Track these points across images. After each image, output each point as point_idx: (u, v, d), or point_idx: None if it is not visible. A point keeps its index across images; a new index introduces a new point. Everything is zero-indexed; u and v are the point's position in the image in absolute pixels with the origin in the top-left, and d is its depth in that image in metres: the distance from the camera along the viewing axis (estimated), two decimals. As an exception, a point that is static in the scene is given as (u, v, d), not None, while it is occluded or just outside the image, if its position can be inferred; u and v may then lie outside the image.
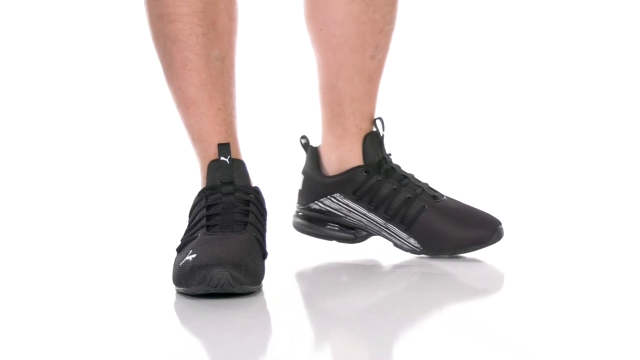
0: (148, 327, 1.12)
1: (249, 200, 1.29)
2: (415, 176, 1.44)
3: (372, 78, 1.42)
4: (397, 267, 1.38)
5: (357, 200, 1.42)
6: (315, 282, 1.32)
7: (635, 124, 2.41)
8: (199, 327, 1.11)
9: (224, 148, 1.32)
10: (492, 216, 1.41)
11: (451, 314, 1.14)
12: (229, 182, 1.30)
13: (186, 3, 1.31)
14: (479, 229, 1.39)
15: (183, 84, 1.33)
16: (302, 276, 1.35)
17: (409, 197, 1.40)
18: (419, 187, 1.41)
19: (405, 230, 1.40)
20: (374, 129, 1.43)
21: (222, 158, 1.31)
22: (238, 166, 1.32)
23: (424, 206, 1.39)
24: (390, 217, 1.41)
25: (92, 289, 1.31)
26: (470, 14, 2.54)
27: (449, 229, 1.39)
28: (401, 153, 1.49)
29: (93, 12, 2.57)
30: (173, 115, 2.45)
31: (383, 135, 1.42)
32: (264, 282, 1.26)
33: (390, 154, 1.44)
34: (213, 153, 1.33)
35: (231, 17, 1.36)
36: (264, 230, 1.30)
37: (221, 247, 1.21)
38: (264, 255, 1.26)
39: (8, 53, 2.55)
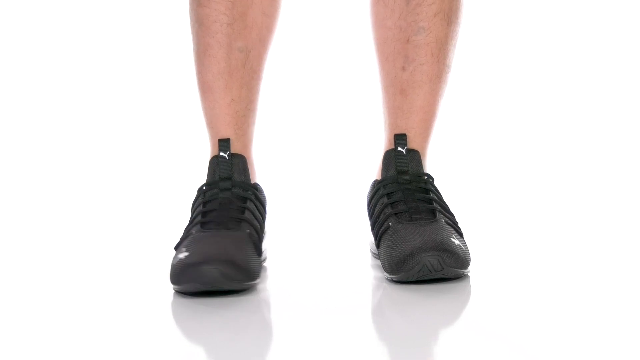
0: (146, 327, 1.12)
1: (246, 197, 1.30)
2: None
3: (404, 91, 1.34)
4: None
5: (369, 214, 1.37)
6: (315, 281, 1.31)
7: (635, 124, 2.41)
8: (196, 327, 1.11)
9: (224, 144, 1.32)
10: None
11: (452, 314, 1.14)
12: (227, 177, 1.30)
13: None
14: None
15: (202, 68, 1.35)
16: (301, 276, 1.35)
17: (380, 215, 1.31)
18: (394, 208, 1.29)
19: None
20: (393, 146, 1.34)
21: (222, 154, 1.32)
22: (238, 162, 1.32)
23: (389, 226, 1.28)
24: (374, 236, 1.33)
25: (90, 288, 1.30)
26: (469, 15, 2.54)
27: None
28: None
29: (94, 11, 2.57)
30: (173, 115, 2.46)
31: (401, 152, 1.33)
32: (264, 282, 1.26)
33: (425, 175, 1.33)
34: (216, 146, 1.34)
35: (265, 13, 1.36)
36: (261, 227, 1.30)
37: (211, 244, 1.20)
38: (258, 252, 1.25)
39: (8, 53, 2.55)
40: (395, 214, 1.28)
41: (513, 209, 1.90)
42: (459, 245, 1.23)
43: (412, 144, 1.34)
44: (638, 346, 0.99)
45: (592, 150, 2.38)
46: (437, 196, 1.31)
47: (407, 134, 1.34)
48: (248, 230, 1.25)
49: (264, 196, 1.35)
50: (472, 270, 1.27)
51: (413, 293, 1.20)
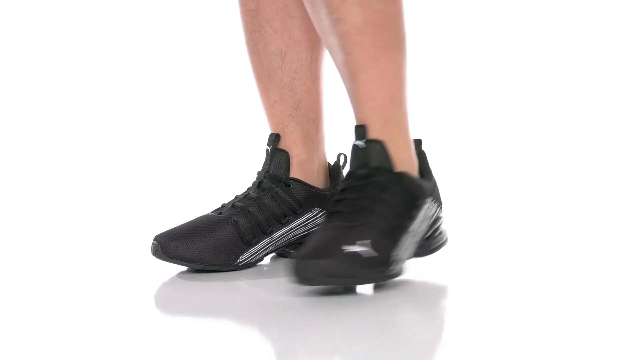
0: (138, 329, 1.12)
1: (264, 188, 1.38)
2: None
3: (347, 83, 1.28)
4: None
5: None
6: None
7: (635, 124, 2.41)
8: (198, 323, 1.12)
9: (270, 138, 1.41)
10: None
11: (451, 314, 1.14)
12: (265, 170, 1.40)
13: (242, 2, 1.41)
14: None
15: (252, 74, 1.44)
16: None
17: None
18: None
19: None
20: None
21: (266, 146, 1.41)
22: (278, 156, 1.39)
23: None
24: None
25: (86, 290, 1.31)
26: (466, 14, 2.54)
27: None
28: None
29: (96, 12, 2.57)
30: (173, 115, 2.45)
31: (356, 145, 1.25)
32: (255, 279, 1.26)
33: (386, 170, 1.25)
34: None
35: (292, 15, 1.39)
36: (264, 222, 1.37)
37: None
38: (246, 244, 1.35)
39: (8, 53, 2.55)
40: (330, 213, 1.22)
41: (511, 209, 1.90)
42: (339, 253, 1.14)
43: (372, 133, 1.24)
44: (637, 346, 0.99)
45: (586, 150, 2.38)
46: (391, 194, 1.21)
47: (366, 125, 1.25)
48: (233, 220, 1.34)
49: (295, 192, 1.39)
50: (469, 273, 1.27)
51: (412, 292, 1.20)
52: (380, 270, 1.16)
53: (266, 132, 1.45)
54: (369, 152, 1.23)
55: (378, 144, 1.23)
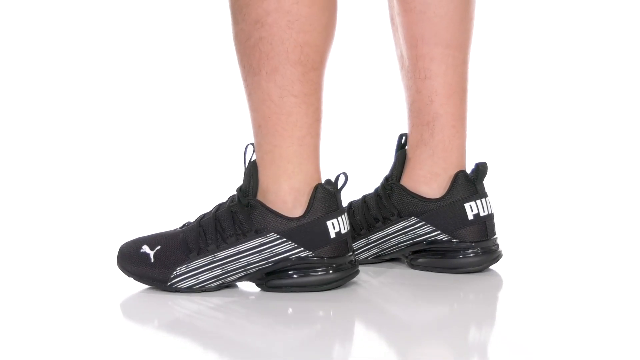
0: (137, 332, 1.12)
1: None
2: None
3: None
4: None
5: None
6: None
7: (635, 124, 2.40)
8: (198, 322, 1.11)
9: None
10: None
11: (444, 310, 1.14)
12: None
13: None
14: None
15: None
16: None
17: None
18: None
19: None
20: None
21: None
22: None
23: None
24: None
25: (85, 291, 1.30)
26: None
27: None
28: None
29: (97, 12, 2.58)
30: (174, 116, 2.44)
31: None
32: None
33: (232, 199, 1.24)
34: None
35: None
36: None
37: None
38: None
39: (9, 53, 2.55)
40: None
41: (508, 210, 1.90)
42: (126, 251, 1.25)
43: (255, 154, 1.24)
44: (637, 347, 0.99)
45: (589, 151, 2.37)
46: (214, 222, 1.22)
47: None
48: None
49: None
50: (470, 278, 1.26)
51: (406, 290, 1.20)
52: (160, 282, 1.22)
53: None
54: (246, 172, 1.22)
55: (250, 166, 1.22)
